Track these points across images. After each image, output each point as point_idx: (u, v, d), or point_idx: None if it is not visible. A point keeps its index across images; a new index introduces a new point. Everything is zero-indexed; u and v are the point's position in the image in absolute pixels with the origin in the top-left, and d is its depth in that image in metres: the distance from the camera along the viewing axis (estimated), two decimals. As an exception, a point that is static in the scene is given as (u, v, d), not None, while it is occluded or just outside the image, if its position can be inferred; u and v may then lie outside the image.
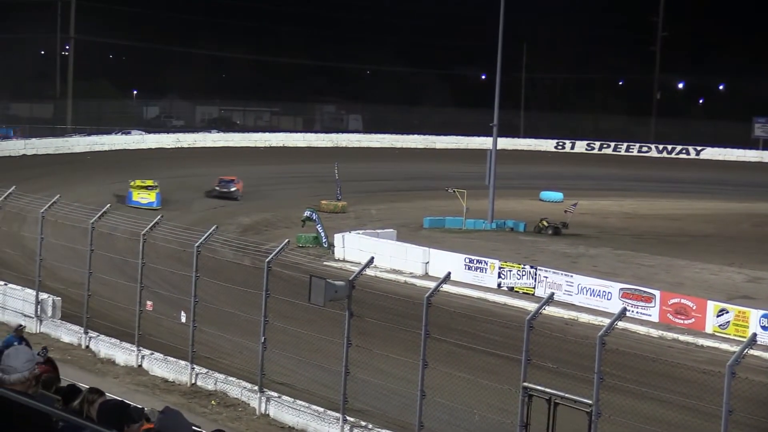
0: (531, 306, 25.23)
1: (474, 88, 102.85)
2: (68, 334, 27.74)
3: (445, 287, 21.99)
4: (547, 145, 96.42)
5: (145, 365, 25.64)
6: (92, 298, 27.55)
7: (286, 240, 25.23)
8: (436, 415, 20.84)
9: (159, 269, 28.85)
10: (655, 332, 32.59)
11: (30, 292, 28.85)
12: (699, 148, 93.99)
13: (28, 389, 6.92)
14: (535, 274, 37.09)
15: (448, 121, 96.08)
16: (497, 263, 38.25)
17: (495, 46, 53.16)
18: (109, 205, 29.83)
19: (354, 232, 44.00)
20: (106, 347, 26.63)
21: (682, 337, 32.17)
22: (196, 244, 24.80)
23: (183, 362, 24.84)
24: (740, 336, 30.08)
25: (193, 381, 24.49)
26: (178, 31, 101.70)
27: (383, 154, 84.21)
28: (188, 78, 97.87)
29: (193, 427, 8.21)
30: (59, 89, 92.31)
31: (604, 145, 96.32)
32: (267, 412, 22.74)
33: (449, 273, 22.18)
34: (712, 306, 32.79)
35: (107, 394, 9.31)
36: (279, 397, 22.89)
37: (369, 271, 23.86)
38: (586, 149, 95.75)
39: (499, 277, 38.00)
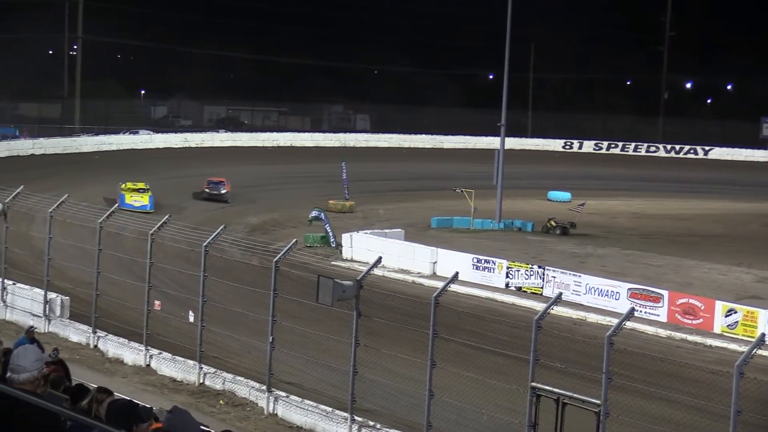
0: (539, 306, 25.12)
1: (482, 88, 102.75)
2: (77, 333, 27.78)
3: (453, 287, 21.99)
4: (555, 145, 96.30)
5: (153, 365, 25.66)
6: (100, 298, 27.59)
7: (294, 240, 25.22)
8: (444, 415, 20.81)
9: (167, 269, 28.86)
10: (663, 332, 32.52)
11: (38, 292, 28.90)
12: (707, 148, 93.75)
13: (37, 388, 6.94)
14: (543, 274, 37.04)
15: (456, 121, 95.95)
16: (505, 263, 38.20)
17: (503, 46, 53.18)
18: (116, 205, 29.86)
19: (362, 231, 44.00)
20: (114, 347, 26.66)
21: (690, 338, 32.10)
22: (204, 244, 24.79)
23: (191, 362, 24.86)
24: (749, 336, 30.02)
25: (201, 380, 24.50)
26: (181, 31, 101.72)
27: (391, 154, 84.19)
28: (196, 78, 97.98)
29: (201, 427, 8.22)
30: (67, 89, 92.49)
31: (612, 145, 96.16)
32: (275, 412, 22.74)
33: (457, 273, 22.11)
34: (720, 306, 32.71)
35: (116, 393, 9.33)
36: (287, 396, 22.87)
37: (377, 271, 23.90)
38: (594, 149, 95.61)
39: (507, 277, 37.96)
